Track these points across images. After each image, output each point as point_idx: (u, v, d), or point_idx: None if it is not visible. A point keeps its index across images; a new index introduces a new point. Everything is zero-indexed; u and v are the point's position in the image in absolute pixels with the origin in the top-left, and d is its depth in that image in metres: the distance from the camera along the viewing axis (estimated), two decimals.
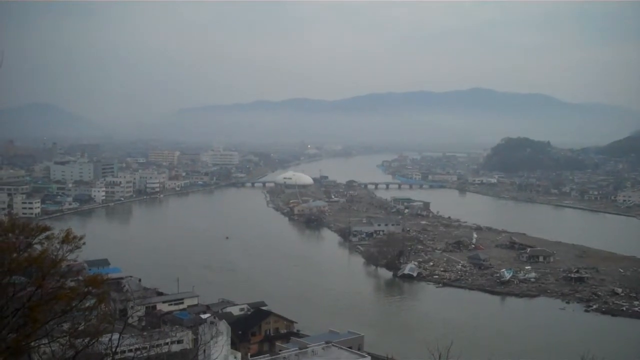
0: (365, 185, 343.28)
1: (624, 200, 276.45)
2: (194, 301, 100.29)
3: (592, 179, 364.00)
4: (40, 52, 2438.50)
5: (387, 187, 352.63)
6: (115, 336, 34.83)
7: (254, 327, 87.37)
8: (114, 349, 33.59)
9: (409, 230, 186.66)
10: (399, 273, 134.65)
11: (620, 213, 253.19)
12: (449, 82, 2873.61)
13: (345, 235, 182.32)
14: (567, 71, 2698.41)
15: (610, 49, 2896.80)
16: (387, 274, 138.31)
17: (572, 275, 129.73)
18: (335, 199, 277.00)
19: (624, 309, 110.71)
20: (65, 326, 31.83)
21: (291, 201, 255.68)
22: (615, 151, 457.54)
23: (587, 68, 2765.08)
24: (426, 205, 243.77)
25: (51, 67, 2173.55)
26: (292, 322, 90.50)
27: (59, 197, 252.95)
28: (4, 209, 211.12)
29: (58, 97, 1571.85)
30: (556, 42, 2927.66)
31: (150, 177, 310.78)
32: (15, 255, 29.99)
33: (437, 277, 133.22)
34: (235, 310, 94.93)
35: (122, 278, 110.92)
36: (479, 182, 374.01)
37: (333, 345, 72.88)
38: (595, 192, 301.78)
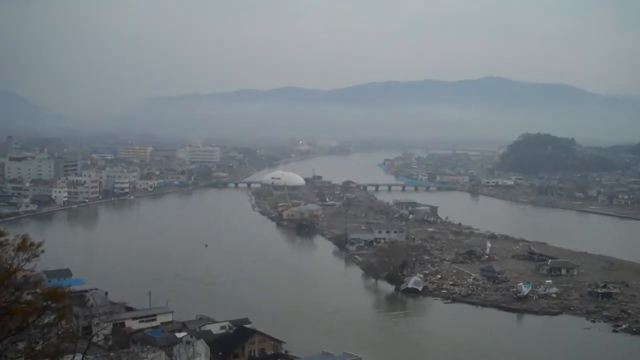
0: (364, 187, 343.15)
1: None
2: (168, 317, 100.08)
3: (622, 181, 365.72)
4: (0, 37, 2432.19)
5: (389, 189, 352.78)
6: (78, 357, 34.69)
7: (236, 347, 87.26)
8: None
9: (413, 238, 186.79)
10: (402, 287, 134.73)
11: None
12: (459, 70, 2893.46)
13: (341, 243, 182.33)
14: (596, 59, 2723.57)
15: None
16: (388, 287, 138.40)
17: (599, 291, 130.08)
18: (330, 202, 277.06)
19: None
20: (21, 345, 31.60)
21: (280, 204, 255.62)
22: None
23: (618, 56, 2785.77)
24: (433, 209, 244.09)
25: (12, 53, 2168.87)
26: (280, 342, 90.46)
27: (14, 198, 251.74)
28: None
29: (18, 84, 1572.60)
30: (583, 27, 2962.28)
31: (119, 176, 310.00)
32: None
33: (445, 291, 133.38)
34: (215, 329, 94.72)
35: (86, 291, 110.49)
36: (494, 184, 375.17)
37: None
38: (626, 197, 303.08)
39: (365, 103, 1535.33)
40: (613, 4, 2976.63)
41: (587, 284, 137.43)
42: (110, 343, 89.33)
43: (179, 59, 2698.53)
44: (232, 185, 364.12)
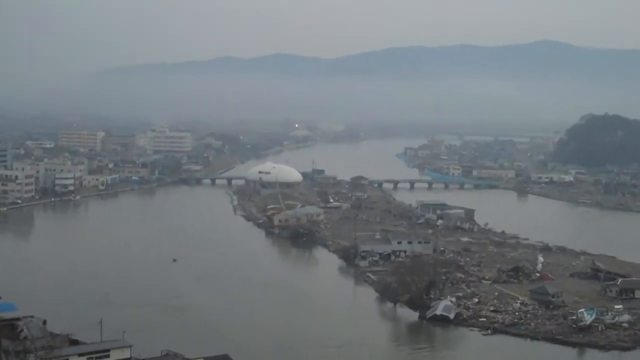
0: (380, 184, 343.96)
1: None
2: (125, 353, 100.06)
3: None
4: None
5: (412, 187, 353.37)
6: None
7: None
8: None
9: (443, 251, 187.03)
10: (429, 314, 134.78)
11: None
12: (503, 33, 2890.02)
13: (350, 257, 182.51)
14: None
15: None
16: (410, 314, 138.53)
17: None
18: (336, 203, 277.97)
19: None
20: None
21: (270, 207, 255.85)
22: None
23: None
24: (469, 213, 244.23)
25: None
26: None
27: None
28: None
29: None
30: None
31: (61, 170, 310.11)
32: None
33: (484, 320, 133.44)
34: None
35: (18, 319, 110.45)
36: (547, 180, 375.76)
37: None
38: None
39: (382, 75, 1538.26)
40: None
41: None
42: None
43: (139, 20, 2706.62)
44: (207, 181, 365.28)
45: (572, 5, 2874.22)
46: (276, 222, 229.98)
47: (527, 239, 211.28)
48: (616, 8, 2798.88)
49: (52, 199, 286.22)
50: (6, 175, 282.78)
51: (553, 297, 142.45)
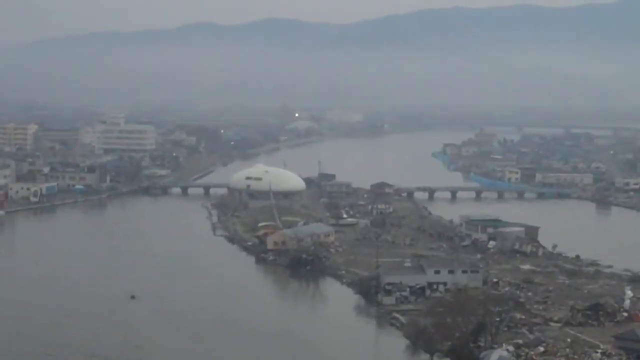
0: (410, 194, 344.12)
1: None
2: None
3: None
4: None
5: (454, 197, 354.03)
6: None
7: None
8: None
9: (497, 283, 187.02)
10: None
11: None
12: None
13: (370, 292, 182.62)
14: None
15: None
16: None
17: None
18: (351, 219, 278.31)
19: None
20: None
21: (261, 224, 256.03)
22: None
23: None
24: (532, 232, 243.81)
25: None
26: None
27: None
28: None
29: None
30: None
31: None
32: None
33: None
34: None
35: None
36: (637, 186, 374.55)
37: None
38: None
39: (411, 46, 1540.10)
40: None
41: None
42: None
43: None
44: (177, 190, 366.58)
45: None
46: (270, 245, 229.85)
47: (610, 267, 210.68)
48: None
49: None
50: None
51: None
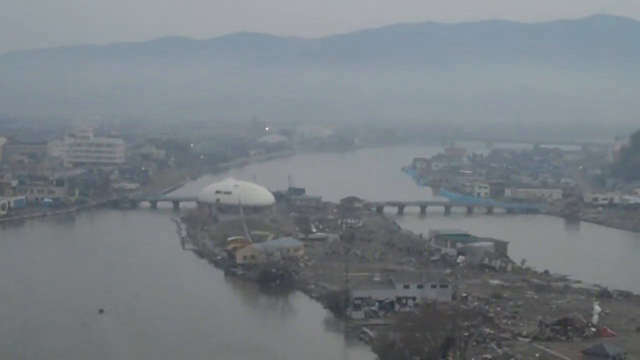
0: (380, 208, 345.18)
1: None
2: None
3: None
4: None
5: (423, 212, 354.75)
6: None
7: None
8: None
9: (466, 298, 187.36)
10: None
11: None
12: (545, 5, 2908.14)
13: (339, 306, 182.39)
14: None
15: None
16: None
17: None
18: (320, 234, 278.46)
19: None
20: None
21: (231, 239, 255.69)
22: None
23: None
24: (501, 247, 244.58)
25: None
26: None
27: None
28: None
29: None
30: None
31: None
32: None
33: None
34: None
35: None
36: (606, 202, 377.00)
37: None
38: None
39: (382, 61, 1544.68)
40: None
41: None
42: None
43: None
44: (146, 204, 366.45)
45: None
46: (240, 259, 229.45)
47: (578, 282, 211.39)
48: None
49: None
50: None
51: (614, 358, 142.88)
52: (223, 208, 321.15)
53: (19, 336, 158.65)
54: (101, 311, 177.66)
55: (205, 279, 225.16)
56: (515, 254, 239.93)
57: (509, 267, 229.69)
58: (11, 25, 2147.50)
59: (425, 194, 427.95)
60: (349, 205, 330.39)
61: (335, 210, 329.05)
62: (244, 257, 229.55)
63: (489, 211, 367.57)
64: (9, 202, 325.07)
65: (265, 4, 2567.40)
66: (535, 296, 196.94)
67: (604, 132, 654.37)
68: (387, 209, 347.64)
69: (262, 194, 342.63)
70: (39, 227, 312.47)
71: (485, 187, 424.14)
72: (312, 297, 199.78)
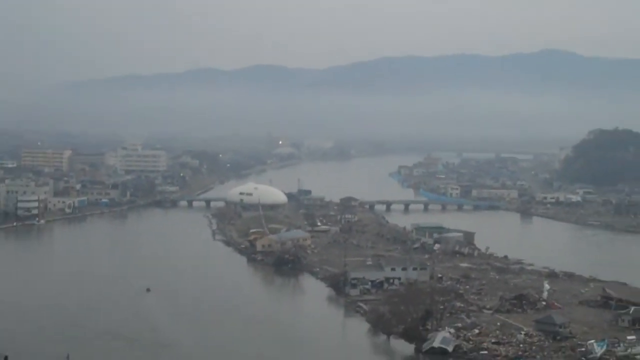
0: (372, 206, 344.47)
1: None
2: None
3: None
4: None
5: (407, 209, 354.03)
6: None
7: None
8: None
9: (441, 278, 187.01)
10: (426, 346, 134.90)
11: None
12: (505, 41, 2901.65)
13: (339, 285, 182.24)
14: None
15: None
16: (405, 347, 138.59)
17: None
18: (323, 227, 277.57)
19: None
20: None
21: (252, 231, 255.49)
22: None
23: None
24: (469, 237, 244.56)
25: None
26: None
27: None
28: None
29: None
30: None
31: (24, 192, 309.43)
32: None
33: (485, 352, 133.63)
34: None
35: None
36: (553, 200, 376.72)
37: None
38: None
39: (374, 87, 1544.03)
40: None
41: None
42: None
43: (108, 29, 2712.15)
44: (183, 203, 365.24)
45: (580, 11, 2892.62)
46: (259, 248, 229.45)
47: (531, 265, 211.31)
48: (629, 15, 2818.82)
49: (14, 224, 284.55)
50: None
51: (560, 327, 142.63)
52: (245, 206, 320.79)
53: (82, 309, 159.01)
54: (148, 290, 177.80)
55: (231, 263, 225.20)
56: (480, 242, 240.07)
57: (476, 253, 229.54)
58: (70, 59, 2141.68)
59: (408, 194, 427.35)
60: (346, 204, 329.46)
61: (335, 207, 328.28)
62: (263, 246, 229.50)
63: (459, 208, 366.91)
64: (73, 202, 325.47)
65: (277, 41, 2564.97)
66: (497, 276, 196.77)
67: (552, 144, 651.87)
68: (377, 207, 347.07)
69: (276, 195, 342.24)
70: (97, 222, 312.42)
71: (456, 189, 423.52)
72: (317, 278, 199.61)
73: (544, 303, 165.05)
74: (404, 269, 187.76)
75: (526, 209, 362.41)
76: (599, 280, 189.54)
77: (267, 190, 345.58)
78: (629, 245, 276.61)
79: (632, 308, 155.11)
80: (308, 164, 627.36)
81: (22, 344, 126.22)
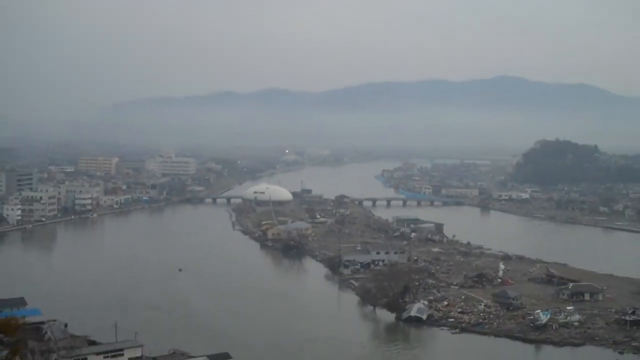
0: (360, 202, 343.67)
1: None
2: (137, 352, 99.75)
3: None
4: None
5: (389, 204, 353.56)
6: None
7: None
8: None
9: (416, 260, 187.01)
10: (404, 315, 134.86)
11: None
12: (468, 69, 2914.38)
13: (334, 266, 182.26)
14: (620, 58, 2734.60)
15: None
16: (388, 316, 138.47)
17: (628, 318, 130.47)
18: (322, 219, 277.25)
19: None
20: None
21: (264, 222, 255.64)
22: None
23: None
24: (439, 227, 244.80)
25: None
26: None
27: None
28: None
29: None
30: (606, 21, 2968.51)
31: (80, 191, 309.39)
32: None
33: (452, 320, 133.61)
34: None
35: (43, 323, 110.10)
36: (507, 197, 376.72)
37: None
38: None
39: (362, 106, 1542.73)
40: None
41: (614, 310, 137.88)
42: None
43: (146, 59, 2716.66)
44: (209, 200, 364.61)
45: (528, 44, 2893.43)
46: (270, 236, 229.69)
47: (489, 249, 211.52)
48: (566, 46, 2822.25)
49: (73, 217, 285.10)
50: (32, 197, 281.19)
51: (513, 299, 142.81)
52: (259, 203, 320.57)
53: (127, 285, 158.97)
54: (180, 270, 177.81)
55: (247, 249, 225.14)
56: (448, 231, 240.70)
57: (444, 240, 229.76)
58: (117, 84, 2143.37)
59: (390, 193, 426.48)
60: (340, 200, 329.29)
61: (331, 203, 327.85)
62: (273, 235, 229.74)
63: (431, 204, 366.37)
64: (120, 200, 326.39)
65: (283, 69, 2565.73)
66: (461, 259, 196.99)
67: (505, 152, 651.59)
68: (365, 203, 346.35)
69: (284, 193, 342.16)
70: (139, 216, 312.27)
71: (429, 188, 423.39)
72: (317, 260, 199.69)
73: (499, 280, 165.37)
74: (386, 252, 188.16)
75: (485, 204, 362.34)
76: (544, 262, 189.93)
77: (276, 190, 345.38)
78: (567, 233, 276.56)
79: (571, 284, 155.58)
80: (309, 169, 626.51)
81: (80, 314, 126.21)
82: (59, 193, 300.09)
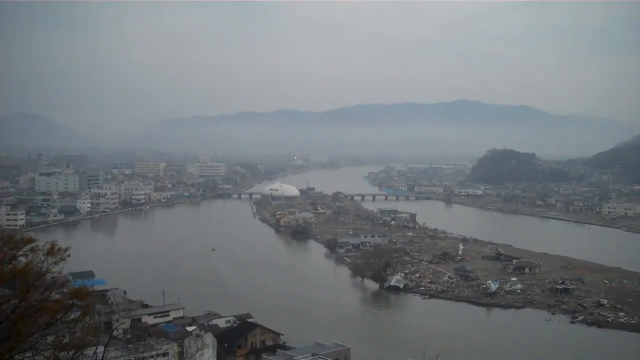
0: (352, 197, 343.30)
1: (609, 212, 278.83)
2: (180, 313, 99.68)
3: (577, 190, 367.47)
4: (28, 62, 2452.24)
5: (374, 199, 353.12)
6: (100, 349, 34.65)
7: (240, 339, 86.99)
8: None
9: (395, 242, 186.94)
10: (386, 285, 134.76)
11: (605, 224, 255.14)
12: (435, 93, 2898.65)
13: (332, 246, 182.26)
14: (551, 83, 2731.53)
15: (593, 63, 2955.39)
16: (373, 285, 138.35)
17: (558, 287, 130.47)
18: (322, 210, 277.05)
19: (610, 320, 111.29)
20: (50, 339, 31.61)
21: (277, 213, 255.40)
22: (600, 163, 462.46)
23: (570, 80, 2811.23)
24: (412, 216, 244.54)
25: (39, 78, 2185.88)
26: (278, 334, 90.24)
27: (43, 208, 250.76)
28: None
29: (45, 107, 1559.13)
30: (540, 55, 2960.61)
31: (136, 189, 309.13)
32: None
33: (423, 288, 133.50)
34: (221, 323, 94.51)
35: (107, 290, 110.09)
36: (465, 193, 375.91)
37: (319, 357, 72.87)
38: (581, 204, 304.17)
39: (354, 123, 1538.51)
40: (569, 36, 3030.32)
41: (547, 281, 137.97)
42: (128, 336, 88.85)
43: (189, 84, 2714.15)
44: (235, 196, 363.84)
45: (481, 74, 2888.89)
46: (282, 223, 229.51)
47: (452, 234, 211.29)
48: (510, 76, 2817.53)
49: (130, 209, 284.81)
50: (99, 193, 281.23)
51: (470, 273, 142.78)
52: (274, 197, 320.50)
53: (173, 261, 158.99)
54: (213, 249, 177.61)
55: (265, 233, 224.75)
56: (420, 220, 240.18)
57: (417, 227, 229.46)
58: (165, 103, 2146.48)
59: (374, 190, 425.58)
60: (336, 196, 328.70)
61: (329, 198, 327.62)
62: (284, 222, 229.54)
63: (407, 198, 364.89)
64: (167, 195, 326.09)
65: (292, 92, 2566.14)
66: (430, 241, 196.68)
67: (464, 158, 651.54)
68: (355, 198, 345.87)
69: (293, 190, 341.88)
70: (181, 208, 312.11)
71: (405, 186, 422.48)
72: (318, 242, 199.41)
73: (459, 257, 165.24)
74: (372, 236, 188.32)
75: (448, 199, 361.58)
76: (494, 243, 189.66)
77: (287, 188, 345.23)
78: (512, 221, 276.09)
79: (515, 260, 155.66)
80: (313, 172, 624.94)
81: (135, 283, 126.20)
82: (120, 190, 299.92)
